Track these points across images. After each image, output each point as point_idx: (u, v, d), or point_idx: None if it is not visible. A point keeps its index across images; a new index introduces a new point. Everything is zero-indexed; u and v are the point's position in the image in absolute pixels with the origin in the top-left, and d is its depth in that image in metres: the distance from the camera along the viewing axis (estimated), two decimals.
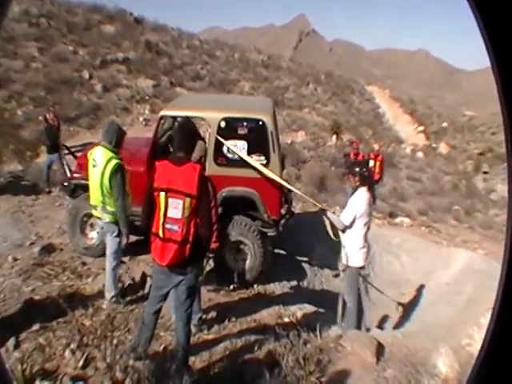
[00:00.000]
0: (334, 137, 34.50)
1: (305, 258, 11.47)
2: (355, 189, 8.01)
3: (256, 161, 8.96)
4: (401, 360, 6.77)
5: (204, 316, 6.97)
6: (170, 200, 4.84)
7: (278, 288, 9.59)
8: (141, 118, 27.05)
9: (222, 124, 8.92)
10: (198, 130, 5.25)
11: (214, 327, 6.80)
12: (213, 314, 7.36)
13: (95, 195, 6.86)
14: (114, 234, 6.92)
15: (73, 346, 5.57)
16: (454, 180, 33.65)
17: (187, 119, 5.91)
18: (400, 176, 29.47)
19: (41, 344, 5.66)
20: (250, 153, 8.96)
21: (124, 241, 6.96)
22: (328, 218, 8.30)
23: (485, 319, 8.59)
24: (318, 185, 21.15)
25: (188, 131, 5.17)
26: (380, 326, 9.78)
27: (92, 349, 5.54)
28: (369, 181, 8.24)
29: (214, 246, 5.63)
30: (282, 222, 9.45)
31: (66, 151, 12.09)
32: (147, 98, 29.51)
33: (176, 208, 4.83)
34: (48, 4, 35.01)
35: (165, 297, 5.32)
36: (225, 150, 8.98)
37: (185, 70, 36.56)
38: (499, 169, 39.55)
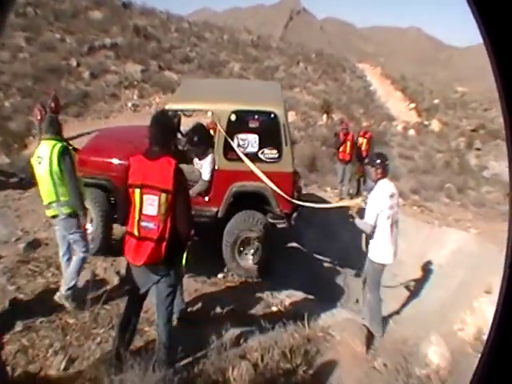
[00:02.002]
0: (325, 116, 34.36)
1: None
2: (376, 182, 7.77)
3: (268, 155, 8.77)
4: (391, 349, 6.74)
5: (190, 308, 6.90)
6: (145, 197, 4.65)
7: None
8: (129, 104, 26.96)
9: (233, 117, 8.65)
10: (173, 122, 5.08)
11: (199, 320, 6.66)
12: (198, 305, 7.23)
13: (47, 191, 6.53)
14: (75, 228, 6.61)
15: (56, 346, 5.47)
16: (447, 157, 33.55)
17: (162, 111, 5.74)
18: (391, 154, 29.32)
19: (24, 345, 5.53)
20: (261, 147, 8.76)
21: (84, 222, 6.75)
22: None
23: (477, 303, 8.56)
24: (308, 165, 21.00)
25: (163, 124, 4.98)
26: None
27: (76, 348, 5.48)
28: (387, 171, 7.87)
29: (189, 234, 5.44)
30: (294, 215, 9.27)
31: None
32: (136, 83, 29.39)
33: (151, 205, 4.64)
34: None
35: (145, 295, 5.15)
36: (235, 143, 8.71)
37: (173, 54, 36.42)
38: (492, 145, 39.53)
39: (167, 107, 8.60)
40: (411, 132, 39.69)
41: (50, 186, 6.46)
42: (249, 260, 9.09)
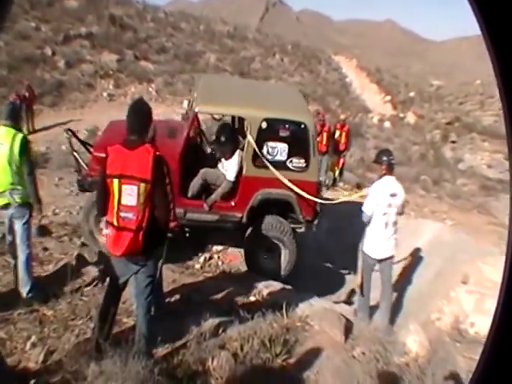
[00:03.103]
0: None
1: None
2: (380, 177, 7.93)
3: (296, 164, 8.88)
4: (370, 338, 6.75)
5: (168, 299, 6.88)
6: (123, 187, 4.61)
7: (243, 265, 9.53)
8: (105, 94, 26.79)
9: (264, 125, 8.68)
10: (151, 110, 5.02)
11: (177, 310, 6.64)
12: (177, 296, 7.20)
13: (3, 179, 6.31)
14: (25, 219, 6.46)
15: (34, 338, 5.42)
16: (422, 150, 33.80)
17: (139, 99, 5.68)
18: (367, 146, 29.46)
19: (2, 338, 5.47)
20: (289, 156, 8.84)
21: (39, 210, 6.76)
22: None
23: (454, 292, 8.65)
24: None
25: (141, 112, 4.94)
26: (349, 301, 9.81)
27: (54, 340, 5.43)
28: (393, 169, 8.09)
29: (172, 225, 5.35)
30: (316, 221, 9.36)
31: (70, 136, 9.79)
32: (111, 72, 29.15)
33: (130, 195, 4.61)
34: None
35: (124, 285, 5.16)
36: (264, 151, 8.77)
37: (150, 44, 36.13)
38: (467, 138, 39.90)
39: (197, 109, 8.67)
40: (387, 124, 39.92)
41: (8, 174, 6.27)
42: (274, 265, 9.21)
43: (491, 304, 7.76)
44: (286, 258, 9.20)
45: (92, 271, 7.39)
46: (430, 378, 5.89)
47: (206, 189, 9.13)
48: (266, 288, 8.22)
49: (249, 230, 9.17)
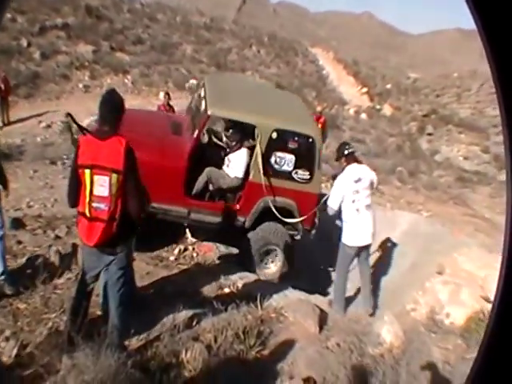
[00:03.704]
0: None
1: None
2: (342, 169, 8.10)
3: (300, 176, 9.10)
4: (344, 329, 6.79)
5: (141, 292, 6.82)
6: (95, 177, 4.57)
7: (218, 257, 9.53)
8: (80, 85, 26.60)
9: (274, 135, 8.85)
10: (123, 101, 4.98)
11: (151, 302, 6.57)
12: (150, 288, 7.14)
13: None
14: None
15: (7, 332, 5.33)
16: (398, 141, 34.05)
17: (111, 90, 5.64)
18: (343, 137, 29.53)
19: None
20: (295, 167, 9.04)
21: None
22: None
23: (429, 283, 8.70)
24: None
25: (113, 103, 4.90)
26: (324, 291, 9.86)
27: (27, 334, 5.37)
28: (354, 157, 8.25)
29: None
30: (313, 231, 9.64)
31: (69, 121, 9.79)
32: (87, 64, 28.91)
33: (102, 185, 4.57)
34: None
35: (96, 278, 5.12)
36: (272, 160, 8.96)
37: (126, 35, 35.92)
38: (443, 130, 40.16)
39: (210, 113, 8.60)
40: (363, 116, 40.15)
41: None
42: (272, 268, 9.46)
43: (466, 294, 7.84)
44: (282, 261, 9.43)
45: (66, 263, 7.33)
46: (404, 368, 5.92)
47: (209, 189, 9.27)
48: (240, 280, 8.19)
49: (248, 234, 9.31)
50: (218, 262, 9.10)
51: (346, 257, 8.23)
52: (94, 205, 4.62)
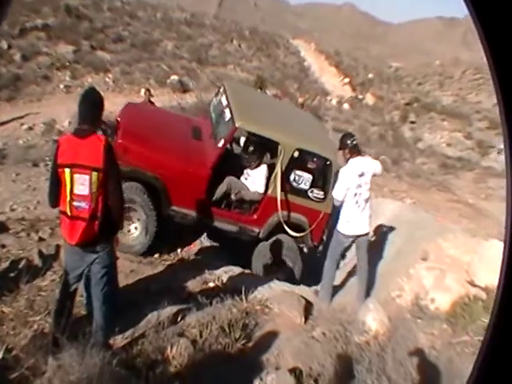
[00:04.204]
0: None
1: None
2: (347, 161, 8.17)
3: (315, 195, 9.60)
4: (329, 318, 6.81)
5: (126, 290, 6.81)
6: (75, 176, 4.58)
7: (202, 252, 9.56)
8: (62, 86, 26.41)
9: (296, 153, 9.18)
10: (102, 99, 4.99)
11: (136, 301, 6.56)
12: (135, 286, 7.16)
13: None
14: None
15: None
16: (381, 130, 34.12)
17: (91, 88, 5.63)
18: (326, 128, 29.66)
19: None
20: (312, 186, 9.53)
21: None
22: None
23: (414, 270, 8.74)
24: None
25: (92, 101, 4.92)
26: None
27: (12, 337, 5.36)
28: (358, 149, 8.34)
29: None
30: (321, 247, 10.16)
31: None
32: (68, 64, 28.69)
33: (83, 184, 4.59)
34: None
35: (79, 277, 5.13)
36: (291, 177, 9.35)
37: (106, 33, 35.65)
38: (426, 118, 40.29)
39: (238, 125, 8.88)
40: (345, 106, 40.21)
41: None
42: (280, 277, 9.51)
43: (451, 280, 7.88)
44: (292, 271, 9.86)
45: (49, 265, 7.31)
46: (390, 354, 5.94)
47: (227, 197, 9.53)
48: (225, 273, 8.25)
49: (260, 244, 9.77)
50: (202, 256, 9.12)
51: (338, 245, 8.42)
52: (75, 204, 4.64)
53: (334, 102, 41.26)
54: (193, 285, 7.56)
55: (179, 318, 6.13)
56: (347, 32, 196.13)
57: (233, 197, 9.44)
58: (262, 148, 9.92)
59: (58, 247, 7.76)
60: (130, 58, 32.66)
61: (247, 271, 8.95)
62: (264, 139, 9.47)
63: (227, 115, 9.29)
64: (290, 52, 61.94)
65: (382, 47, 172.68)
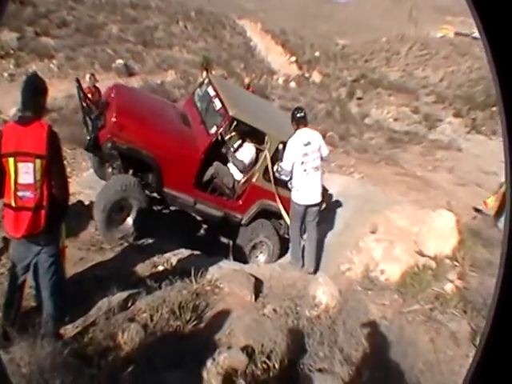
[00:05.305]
0: (204, 73, 34.14)
1: None
2: (294, 132, 8.64)
3: None
4: (280, 294, 6.89)
5: (75, 278, 6.73)
6: (19, 165, 4.50)
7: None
8: (5, 74, 25.84)
9: (280, 146, 9.39)
10: (45, 85, 4.92)
11: (85, 289, 6.43)
12: (84, 274, 7.00)
13: None
14: None
15: None
16: (328, 107, 34.34)
17: (33, 74, 5.54)
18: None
19: None
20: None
21: None
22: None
23: (363, 242, 8.88)
24: None
25: (35, 87, 4.82)
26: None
27: None
28: (305, 121, 8.86)
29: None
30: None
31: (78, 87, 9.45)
32: (12, 52, 28.08)
33: (27, 173, 4.51)
34: None
35: (27, 268, 5.04)
36: (274, 168, 9.54)
37: (50, 18, 34.90)
38: (373, 94, 40.70)
39: (232, 114, 9.25)
40: (292, 84, 40.33)
41: None
42: (261, 259, 10.36)
43: (400, 250, 8.03)
44: (270, 252, 10.35)
45: None
46: (341, 327, 6.03)
47: (212, 182, 9.87)
48: (174, 256, 8.22)
49: (240, 229, 10.21)
50: (151, 241, 9.08)
51: (296, 214, 8.90)
52: (20, 194, 4.56)
53: (280, 80, 41.33)
54: (142, 269, 7.51)
55: (129, 304, 6.09)
56: (294, 12, 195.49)
57: (217, 182, 9.79)
58: (246, 135, 10.35)
59: (5, 240, 7.65)
60: (74, 43, 32.12)
61: (196, 253, 8.88)
62: (253, 129, 9.82)
63: (217, 104, 9.65)
64: (237, 32, 61.65)
65: (330, 26, 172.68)
